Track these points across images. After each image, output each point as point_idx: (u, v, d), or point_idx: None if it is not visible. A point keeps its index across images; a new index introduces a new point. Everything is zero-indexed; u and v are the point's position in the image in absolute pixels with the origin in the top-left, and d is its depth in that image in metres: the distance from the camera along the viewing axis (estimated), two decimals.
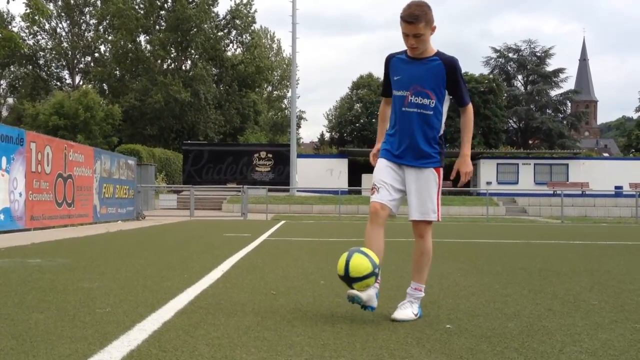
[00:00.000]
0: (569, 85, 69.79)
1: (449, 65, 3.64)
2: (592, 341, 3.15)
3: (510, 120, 62.48)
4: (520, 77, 65.39)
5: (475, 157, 42.25)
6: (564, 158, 41.49)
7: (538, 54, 63.29)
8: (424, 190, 3.74)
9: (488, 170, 39.52)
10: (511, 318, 3.74)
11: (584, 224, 20.44)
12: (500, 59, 64.42)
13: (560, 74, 63.38)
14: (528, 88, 63.60)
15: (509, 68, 64.82)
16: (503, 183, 38.04)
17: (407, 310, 3.66)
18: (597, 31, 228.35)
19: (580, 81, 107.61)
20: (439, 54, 3.69)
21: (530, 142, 62.47)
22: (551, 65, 64.07)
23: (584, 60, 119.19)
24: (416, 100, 3.68)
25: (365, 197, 33.84)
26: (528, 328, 3.46)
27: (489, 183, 37.93)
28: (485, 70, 63.16)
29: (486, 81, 55.54)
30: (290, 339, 3.14)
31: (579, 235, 13.38)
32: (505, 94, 59.44)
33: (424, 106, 3.69)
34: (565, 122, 63.06)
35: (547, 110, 62.95)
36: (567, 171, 39.40)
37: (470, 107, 3.82)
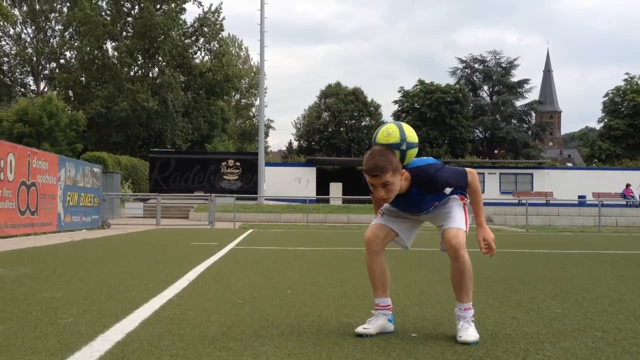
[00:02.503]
0: (533, 95, 71.10)
1: (428, 187, 3.43)
2: (555, 349, 3.19)
3: (476, 130, 63.26)
4: (486, 87, 66.32)
5: None
6: (528, 168, 42.10)
7: (503, 65, 64.29)
8: (445, 209, 3.57)
9: None
10: (476, 326, 3.76)
11: (548, 233, 20.74)
12: (466, 70, 65.28)
13: (525, 85, 64.52)
14: (494, 98, 64.51)
15: (474, 78, 65.69)
16: None
17: (470, 330, 3.41)
18: (559, 44, 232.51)
19: (544, 92, 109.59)
20: (413, 183, 3.43)
21: (495, 151, 63.32)
22: (516, 76, 65.18)
23: (548, 71, 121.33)
24: (431, 208, 3.58)
25: (334, 206, 33.90)
26: (492, 336, 3.49)
27: None
28: (452, 81, 63.93)
29: (452, 91, 56.18)
30: (256, 348, 3.13)
31: (543, 244, 13.55)
32: (471, 104, 60.21)
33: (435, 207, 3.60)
34: (530, 132, 64.16)
35: (512, 121, 63.93)
36: (532, 181, 40.01)
37: (469, 184, 3.50)
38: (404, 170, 3.38)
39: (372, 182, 3.33)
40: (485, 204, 23.74)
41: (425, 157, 3.62)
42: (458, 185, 3.49)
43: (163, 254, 9.37)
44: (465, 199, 3.64)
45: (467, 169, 3.57)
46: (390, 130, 3.41)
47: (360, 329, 3.48)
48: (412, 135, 3.44)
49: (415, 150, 3.46)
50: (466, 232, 3.50)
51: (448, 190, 3.52)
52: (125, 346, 3.12)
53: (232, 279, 6.04)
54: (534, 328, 3.75)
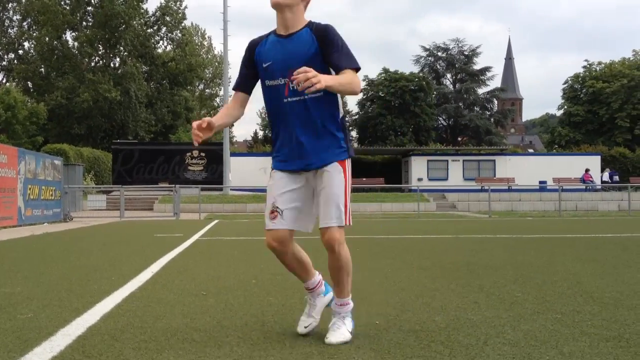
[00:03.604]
0: (495, 83, 71.91)
1: (321, 31, 3.07)
2: (515, 332, 3.25)
3: (440, 118, 63.77)
4: (449, 75, 66.81)
5: (406, 154, 42.89)
6: (491, 154, 42.58)
7: (466, 53, 64.80)
8: (329, 193, 3.09)
9: (419, 167, 40.18)
10: (438, 312, 3.82)
11: (510, 218, 21.05)
12: (429, 58, 65.63)
13: (487, 73, 65.13)
14: (457, 86, 65.05)
15: (438, 67, 66.11)
16: (433, 179, 38.76)
17: (341, 330, 3.14)
18: (519, 31, 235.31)
19: (506, 79, 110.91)
20: (310, 24, 3.13)
21: (459, 139, 63.91)
22: (478, 64, 65.82)
23: (509, 59, 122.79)
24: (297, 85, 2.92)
25: None
26: (454, 321, 3.53)
27: (420, 179, 38.57)
28: (416, 69, 64.26)
29: (416, 79, 56.47)
30: (220, 339, 3.12)
31: (505, 230, 13.76)
32: (434, 92, 60.64)
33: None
34: (492, 119, 64.95)
35: (475, 108, 64.60)
36: (494, 167, 40.47)
37: (353, 72, 3.04)
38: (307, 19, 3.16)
39: None
40: (449, 190, 23.94)
41: None
42: (339, 59, 3.04)
43: (127, 247, 9.28)
44: (348, 170, 3.15)
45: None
46: None
47: (302, 329, 3.26)
48: None
49: None
50: (349, 222, 3.13)
51: (332, 72, 3.05)
52: (86, 340, 3.09)
53: (196, 271, 6.01)
54: (495, 312, 3.80)
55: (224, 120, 3.30)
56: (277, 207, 3.18)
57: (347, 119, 61.56)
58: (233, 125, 69.54)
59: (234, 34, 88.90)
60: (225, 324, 3.48)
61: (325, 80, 2.79)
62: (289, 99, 3.09)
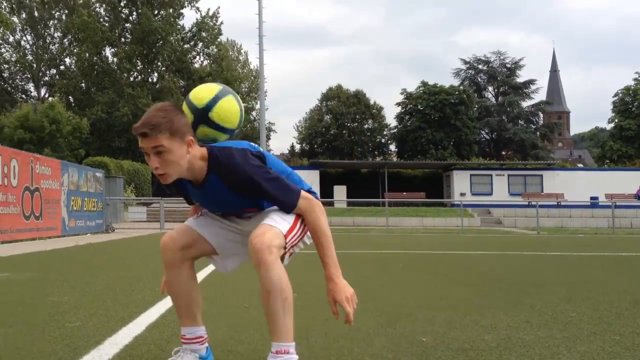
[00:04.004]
0: (540, 96, 70.84)
1: (230, 179, 2.43)
2: (571, 354, 3.13)
3: (482, 132, 63.08)
4: (490, 88, 66.18)
5: (448, 168, 42.52)
6: (538, 169, 41.90)
7: (508, 66, 64.15)
8: (277, 212, 2.58)
9: (461, 182, 39.76)
10: (488, 330, 3.71)
11: (560, 235, 20.61)
12: (470, 71, 65.17)
13: (531, 85, 64.31)
14: (499, 99, 64.32)
15: (479, 79, 65.56)
16: (477, 194, 38.29)
17: None
18: (564, 43, 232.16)
19: (551, 92, 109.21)
20: (211, 167, 2.44)
21: (503, 153, 63.08)
22: (521, 76, 65.11)
23: (554, 71, 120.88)
24: (246, 216, 2.68)
25: (338, 209, 33.86)
26: (505, 341, 3.43)
27: (462, 194, 38.16)
28: (455, 82, 63.81)
29: (456, 92, 56.07)
30: (264, 352, 3.06)
31: (556, 246, 13.47)
32: (476, 106, 60.04)
33: (251, 212, 2.66)
34: (538, 133, 63.86)
35: (520, 121, 63.70)
36: (542, 182, 39.74)
37: (302, 204, 2.49)
38: (203, 147, 2.47)
39: (142, 146, 2.37)
40: (494, 205, 23.59)
41: (245, 142, 2.61)
42: (277, 202, 2.47)
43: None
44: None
45: (305, 193, 2.52)
46: (208, 135, 2.60)
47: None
48: (228, 117, 2.61)
49: (226, 137, 2.65)
50: (290, 239, 2.49)
51: (265, 204, 2.56)
52: (134, 349, 3.08)
53: (238, 283, 5.99)
54: (549, 332, 3.68)
55: None
56: (203, 211, 2.78)
57: (385, 132, 61.46)
58: (270, 138, 70.06)
59: (269, 48, 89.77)
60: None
61: (342, 285, 2.56)
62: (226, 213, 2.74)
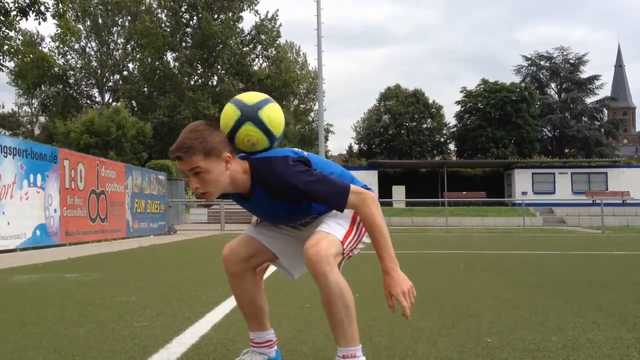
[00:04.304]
0: (604, 92, 68.65)
1: (274, 191, 2.40)
2: None
3: (545, 129, 61.66)
4: (553, 85, 64.60)
5: (509, 167, 41.78)
6: (602, 166, 40.69)
7: (571, 61, 62.46)
8: (334, 216, 2.54)
9: (523, 180, 38.98)
10: (554, 331, 3.64)
11: (627, 234, 19.97)
12: (531, 67, 63.76)
13: (595, 81, 62.41)
14: (562, 96, 62.77)
15: (541, 76, 64.11)
16: (539, 193, 37.47)
17: None
18: (629, 37, 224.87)
19: (616, 88, 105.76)
20: (254, 179, 2.43)
21: (566, 150, 61.53)
22: (585, 72, 63.13)
23: (619, 66, 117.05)
24: (302, 224, 2.65)
25: (397, 209, 33.68)
26: (572, 342, 3.36)
27: (524, 193, 37.43)
28: (517, 79, 62.59)
29: (518, 90, 55.00)
30: (328, 352, 3.10)
31: (622, 246, 13.07)
32: (538, 103, 58.71)
33: (307, 219, 2.62)
34: (602, 130, 61.93)
35: (583, 118, 61.94)
36: (606, 180, 38.59)
37: (353, 200, 2.39)
38: (244, 160, 2.46)
39: (180, 169, 2.38)
40: (557, 204, 23.07)
41: (287, 148, 2.54)
42: (327, 201, 2.40)
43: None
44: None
45: (356, 187, 2.43)
46: (251, 137, 2.44)
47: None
48: (276, 120, 2.47)
49: (267, 144, 2.49)
50: (347, 245, 2.45)
51: (313, 207, 2.49)
52: (200, 349, 3.15)
53: (300, 283, 6.01)
54: (617, 333, 3.59)
55: None
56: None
57: (444, 131, 60.83)
58: (328, 139, 70.27)
59: (328, 49, 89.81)
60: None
61: (399, 278, 2.47)
62: (286, 224, 2.70)
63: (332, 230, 2.40)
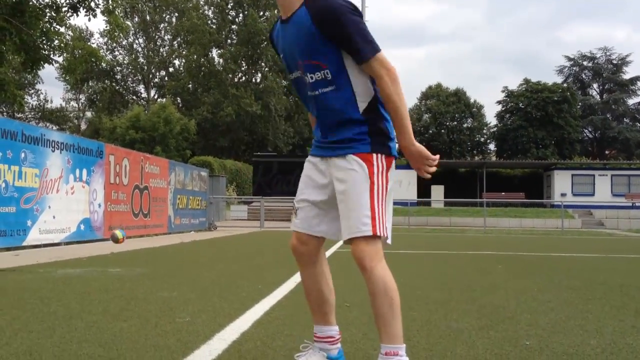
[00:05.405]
0: None
1: (319, 13, 2.40)
2: None
3: (586, 130, 60.61)
4: (595, 85, 63.43)
5: (548, 168, 41.19)
6: None
7: (614, 62, 61.25)
8: (348, 194, 2.48)
9: (562, 182, 38.42)
10: (593, 335, 3.63)
11: None
12: (574, 68, 62.70)
13: (638, 82, 61.08)
14: (604, 97, 61.60)
15: (583, 76, 63.01)
16: (578, 195, 36.88)
17: None
18: None
19: None
20: (306, 1, 2.46)
21: (607, 152, 60.39)
22: (628, 73, 61.82)
23: None
24: (313, 77, 2.51)
25: (435, 209, 33.49)
26: (611, 346, 3.35)
27: (563, 195, 36.89)
28: (558, 79, 61.61)
29: (560, 90, 54.14)
30: (367, 352, 3.15)
31: None
32: (579, 103, 57.73)
33: (322, 83, 2.51)
34: None
35: (625, 120, 60.76)
36: None
37: (377, 62, 2.41)
38: None
39: None
40: (596, 206, 22.71)
41: None
42: (357, 45, 2.39)
43: (269, 256, 9.58)
44: (377, 167, 2.50)
45: (384, 57, 2.43)
46: None
47: None
48: None
49: None
50: (377, 233, 2.44)
51: (332, 59, 2.46)
52: (241, 345, 3.22)
53: (338, 282, 6.06)
54: None
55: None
56: (294, 204, 2.74)
57: (484, 130, 60.20)
58: None
59: None
60: (371, 337, 3.50)
61: (416, 149, 2.49)
62: (309, 93, 2.57)
63: (365, 228, 2.42)
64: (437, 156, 2.52)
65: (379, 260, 2.43)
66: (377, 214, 2.43)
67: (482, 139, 61.50)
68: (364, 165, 2.46)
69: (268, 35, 2.87)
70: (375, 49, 2.40)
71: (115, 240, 9.73)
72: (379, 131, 2.52)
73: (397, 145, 2.61)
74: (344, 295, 5.11)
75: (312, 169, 2.68)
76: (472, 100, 61.02)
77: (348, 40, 2.38)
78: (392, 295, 2.43)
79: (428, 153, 2.49)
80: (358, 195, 2.44)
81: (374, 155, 2.49)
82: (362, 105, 2.50)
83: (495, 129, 58.90)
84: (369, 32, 2.42)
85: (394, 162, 2.58)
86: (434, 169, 2.52)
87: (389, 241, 2.51)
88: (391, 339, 2.44)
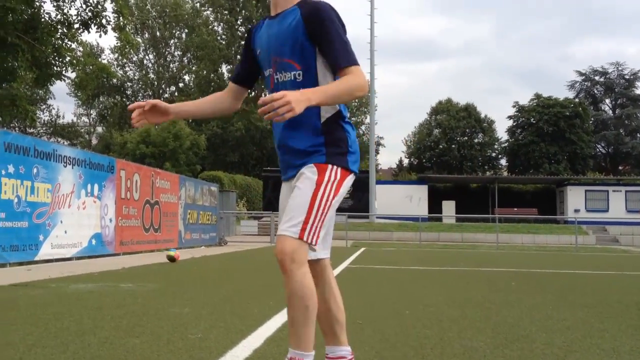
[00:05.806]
0: None
1: (309, 13, 2.46)
2: None
3: (598, 146, 60.32)
4: (607, 100, 63.20)
5: (561, 184, 40.99)
6: None
7: (627, 77, 61.06)
8: (295, 194, 2.50)
9: (576, 198, 38.19)
10: (609, 354, 3.58)
11: None
12: (585, 83, 62.56)
13: None
14: (617, 112, 61.37)
15: (595, 91, 62.83)
16: (592, 210, 36.62)
17: None
18: None
19: None
20: (301, 3, 2.52)
21: (620, 168, 60.05)
22: None
23: None
24: (281, 77, 2.54)
25: (446, 224, 33.36)
26: None
27: (577, 211, 36.67)
28: (570, 94, 61.46)
29: (572, 105, 53.98)
30: None
31: None
32: (592, 119, 57.51)
33: (290, 83, 2.52)
34: None
35: (638, 135, 60.43)
36: None
37: (352, 70, 2.41)
38: None
39: None
40: (610, 223, 22.55)
41: None
42: (336, 51, 2.42)
43: (280, 272, 9.52)
44: (329, 176, 2.48)
45: (360, 70, 2.45)
46: None
47: None
48: None
49: None
50: (304, 238, 2.41)
51: (307, 57, 2.48)
52: None
53: (350, 299, 6.04)
54: None
55: (201, 107, 2.88)
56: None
57: (495, 146, 60.06)
58: (378, 152, 69.95)
59: (380, 62, 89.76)
60: (384, 355, 3.47)
61: (307, 99, 2.25)
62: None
63: (293, 230, 2.41)
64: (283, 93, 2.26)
65: (300, 264, 2.41)
66: (311, 220, 2.41)
67: (494, 154, 61.35)
68: (316, 173, 2.47)
69: (248, 31, 2.82)
70: (354, 61, 2.43)
71: (172, 260, 10.62)
72: (336, 143, 2.52)
73: (358, 164, 2.61)
74: (356, 312, 5.08)
75: (288, 192, 2.66)
76: (482, 115, 60.92)
77: (331, 42, 2.43)
78: (308, 303, 2.41)
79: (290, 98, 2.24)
80: (300, 198, 2.45)
81: (329, 166, 2.49)
82: (324, 115, 2.52)
83: (506, 144, 58.74)
84: (350, 45, 2.47)
85: (350, 176, 2.56)
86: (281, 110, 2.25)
87: (316, 249, 2.49)
88: (299, 345, 2.43)
